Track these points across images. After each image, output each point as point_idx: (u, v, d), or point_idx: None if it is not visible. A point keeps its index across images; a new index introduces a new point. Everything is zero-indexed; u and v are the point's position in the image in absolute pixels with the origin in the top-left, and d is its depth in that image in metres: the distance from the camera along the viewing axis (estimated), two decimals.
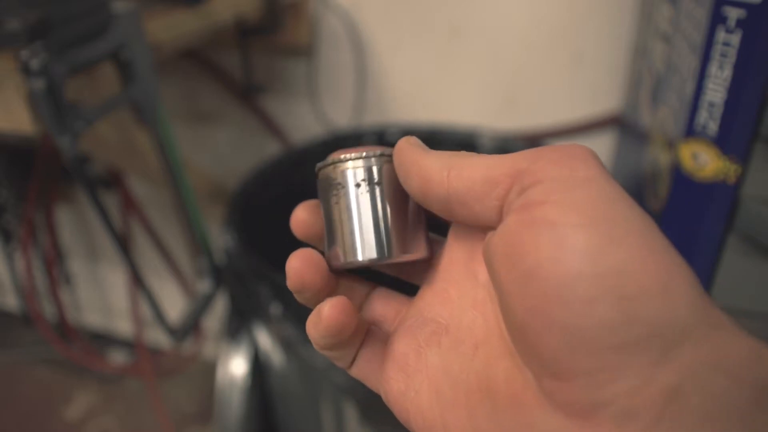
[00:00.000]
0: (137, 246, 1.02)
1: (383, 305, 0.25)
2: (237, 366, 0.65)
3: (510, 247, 0.17)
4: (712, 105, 0.39)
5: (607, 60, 0.73)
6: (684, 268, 0.16)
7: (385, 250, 0.23)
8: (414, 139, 0.22)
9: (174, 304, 0.96)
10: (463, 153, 0.21)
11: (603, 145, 0.78)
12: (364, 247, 0.23)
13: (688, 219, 0.43)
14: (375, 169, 0.23)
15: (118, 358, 1.22)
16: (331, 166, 0.23)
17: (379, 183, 0.23)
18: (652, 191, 0.49)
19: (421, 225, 0.24)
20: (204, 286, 0.74)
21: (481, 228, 0.21)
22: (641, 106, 0.59)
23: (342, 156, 0.23)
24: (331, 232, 0.24)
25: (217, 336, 0.97)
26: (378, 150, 0.23)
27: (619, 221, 0.16)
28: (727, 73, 0.38)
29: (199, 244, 0.71)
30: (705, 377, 0.14)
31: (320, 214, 0.25)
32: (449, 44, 0.78)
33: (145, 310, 0.96)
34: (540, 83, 0.77)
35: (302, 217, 0.25)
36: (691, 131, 0.41)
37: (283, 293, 0.54)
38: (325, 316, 0.21)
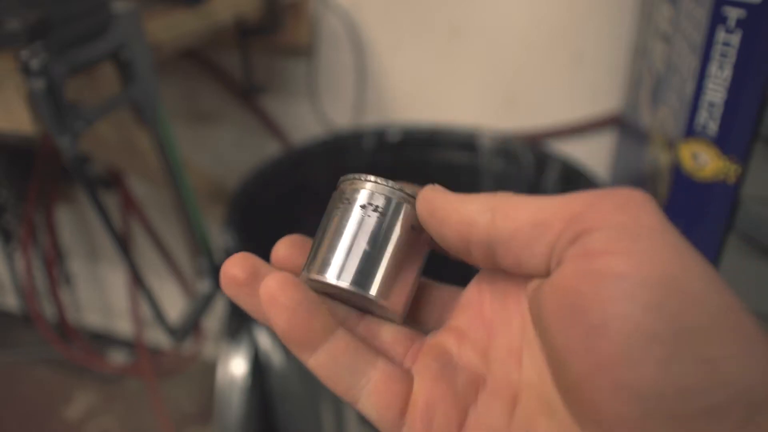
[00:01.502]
0: (137, 246, 1.02)
1: (391, 335, 0.22)
2: (237, 366, 0.65)
3: (568, 299, 0.16)
4: (712, 105, 0.39)
5: (607, 60, 0.73)
6: (758, 328, 0.15)
7: (365, 283, 0.20)
8: (441, 187, 0.20)
9: (174, 304, 0.96)
10: (508, 194, 0.19)
11: (603, 145, 0.78)
12: (344, 269, 0.20)
13: (688, 219, 0.43)
14: (393, 201, 0.21)
15: (118, 358, 1.22)
16: (350, 182, 0.22)
17: (387, 215, 0.21)
18: (652, 191, 0.49)
19: (410, 284, 0.22)
20: (204, 286, 0.74)
21: (523, 275, 0.19)
22: (641, 106, 0.59)
23: (364, 177, 0.21)
24: (318, 244, 0.22)
25: (217, 336, 0.96)
26: (405, 187, 0.21)
27: (691, 277, 0.15)
28: (727, 73, 0.38)
29: (199, 244, 0.71)
30: None
31: (301, 247, 0.23)
32: (449, 44, 0.78)
33: (145, 310, 0.96)
34: (540, 83, 0.77)
35: (282, 253, 0.23)
36: (691, 131, 0.41)
37: None
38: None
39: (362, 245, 0.21)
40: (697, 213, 0.43)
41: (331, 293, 0.22)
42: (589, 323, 0.15)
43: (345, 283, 0.21)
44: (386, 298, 0.21)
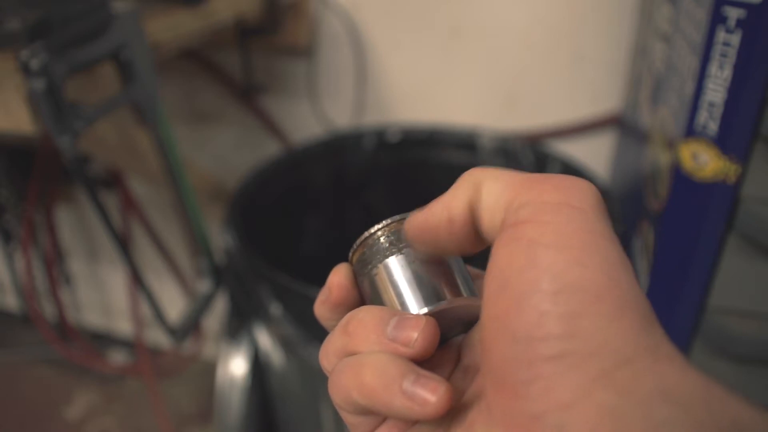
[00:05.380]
0: (137, 246, 1.02)
1: None
2: (237, 366, 0.65)
3: (494, 260, 0.18)
4: (712, 105, 0.39)
5: (607, 60, 0.73)
6: (641, 301, 0.16)
7: (443, 295, 0.22)
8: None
9: (174, 304, 0.96)
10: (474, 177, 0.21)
11: (603, 145, 0.78)
12: (421, 299, 0.21)
13: (688, 219, 0.43)
14: (401, 231, 0.22)
15: (118, 358, 1.22)
16: (362, 245, 0.23)
17: (405, 244, 0.22)
18: (652, 191, 0.49)
19: (468, 278, 0.23)
20: (204, 286, 0.74)
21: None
22: (641, 106, 0.59)
23: (368, 233, 0.23)
24: (390, 303, 0.22)
25: (217, 336, 0.97)
26: (395, 218, 0.23)
27: (590, 250, 0.17)
28: (727, 73, 0.38)
29: (199, 244, 0.71)
30: (647, 404, 0.14)
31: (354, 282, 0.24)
32: (449, 44, 0.78)
33: (145, 310, 0.96)
34: (540, 83, 0.77)
35: (339, 281, 0.24)
36: (691, 131, 0.41)
37: (283, 293, 0.54)
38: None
39: (414, 276, 0.22)
40: (697, 213, 0.43)
41: None
42: (498, 281, 0.17)
43: (429, 307, 0.21)
44: (467, 296, 0.22)
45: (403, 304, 0.22)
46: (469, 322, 0.23)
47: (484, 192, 0.20)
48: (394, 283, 0.22)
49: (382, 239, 0.23)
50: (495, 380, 0.17)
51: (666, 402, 0.14)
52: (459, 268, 0.23)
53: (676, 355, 0.16)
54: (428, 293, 0.22)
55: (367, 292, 0.23)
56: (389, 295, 0.22)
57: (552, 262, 0.16)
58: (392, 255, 0.22)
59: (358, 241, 0.23)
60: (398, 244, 0.22)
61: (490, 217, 0.19)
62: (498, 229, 0.19)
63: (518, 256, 0.17)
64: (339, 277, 0.23)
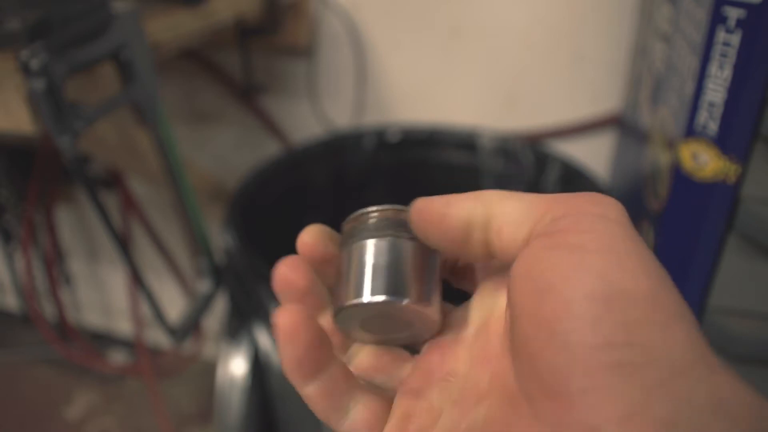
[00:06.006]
0: (137, 246, 1.02)
1: (378, 358, 0.24)
2: (237, 366, 0.65)
3: (530, 265, 0.18)
4: (712, 105, 0.39)
5: (607, 60, 0.73)
6: (687, 312, 0.16)
7: (401, 292, 0.21)
8: (428, 197, 0.22)
9: (174, 304, 0.96)
10: (494, 191, 0.21)
11: (603, 145, 0.78)
12: (375, 287, 0.21)
13: (688, 219, 0.43)
14: (398, 219, 0.22)
15: (118, 358, 1.22)
16: (354, 219, 0.23)
17: (398, 234, 0.22)
18: (652, 191, 0.49)
19: (438, 291, 0.23)
20: (204, 286, 0.74)
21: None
22: (641, 106, 0.59)
23: (365, 210, 0.23)
24: (345, 279, 0.22)
25: (217, 336, 0.97)
26: (401, 207, 0.23)
27: (637, 258, 0.17)
28: (727, 73, 0.38)
29: (199, 244, 0.71)
30: (702, 417, 0.14)
31: (325, 241, 0.24)
32: (449, 44, 0.78)
33: (145, 310, 0.96)
34: (540, 83, 0.77)
35: (307, 240, 0.24)
36: (691, 131, 0.41)
37: None
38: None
39: (384, 264, 0.22)
40: (697, 213, 0.43)
41: (366, 323, 0.23)
42: (542, 284, 0.17)
43: (380, 297, 0.21)
44: (424, 303, 0.22)
45: (360, 283, 0.21)
46: (417, 334, 0.23)
47: (502, 208, 0.20)
48: (364, 263, 0.22)
49: (373, 220, 0.23)
50: (545, 389, 0.16)
51: (720, 415, 0.14)
52: (436, 275, 0.23)
53: (727, 366, 0.16)
54: (390, 285, 0.21)
55: (339, 266, 0.23)
56: (354, 271, 0.22)
57: (601, 268, 0.16)
58: (376, 238, 0.22)
59: (351, 216, 0.23)
60: (386, 230, 0.22)
61: (512, 231, 0.19)
62: (521, 242, 0.19)
63: (563, 261, 0.17)
64: (304, 234, 0.24)
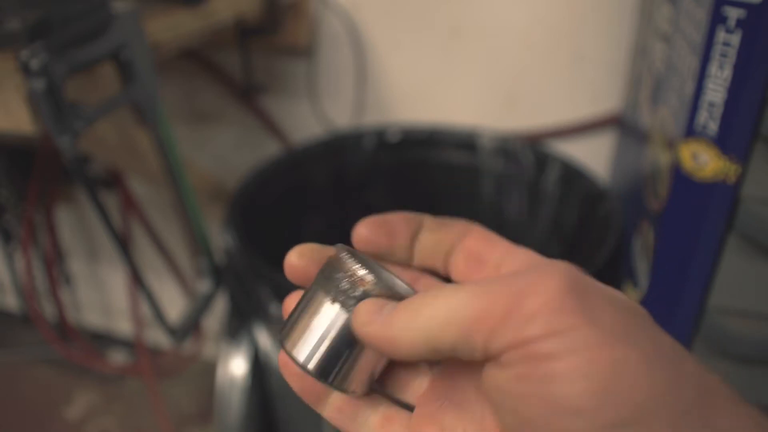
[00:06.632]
0: (137, 246, 1.02)
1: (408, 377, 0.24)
2: (237, 366, 0.65)
3: (517, 401, 0.18)
4: (712, 105, 0.39)
5: (607, 60, 0.73)
6: (678, 384, 0.16)
7: (328, 375, 0.22)
8: (374, 306, 0.21)
9: (174, 304, 0.96)
10: (434, 293, 0.20)
11: (603, 145, 0.78)
12: (313, 356, 0.22)
13: (688, 219, 0.43)
14: (361, 283, 0.22)
15: (118, 358, 1.22)
16: (336, 262, 0.22)
17: (355, 303, 0.21)
18: (652, 191, 0.49)
19: (367, 367, 0.23)
20: (204, 286, 0.74)
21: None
22: (641, 106, 0.59)
23: (358, 267, 0.22)
24: (301, 317, 0.22)
25: (217, 336, 0.96)
26: (397, 283, 0.22)
27: (630, 372, 0.16)
28: (727, 73, 0.38)
29: (199, 244, 0.71)
30: None
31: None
32: (449, 44, 0.78)
33: (145, 310, 0.96)
34: (540, 83, 0.77)
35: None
36: (691, 131, 0.41)
37: (283, 293, 0.54)
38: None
39: (330, 338, 0.22)
40: (697, 213, 0.43)
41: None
42: (528, 417, 0.17)
43: (310, 367, 0.22)
44: (347, 387, 0.22)
45: (304, 340, 0.22)
46: None
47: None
48: (318, 326, 0.22)
49: (344, 280, 0.22)
50: None
51: None
52: (375, 367, 0.23)
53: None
54: (329, 364, 0.22)
55: (307, 291, 0.23)
56: (304, 322, 0.22)
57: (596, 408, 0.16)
58: (339, 305, 0.22)
59: (340, 253, 0.22)
60: (351, 298, 0.21)
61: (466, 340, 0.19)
62: (481, 352, 0.18)
63: (551, 407, 0.17)
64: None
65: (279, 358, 0.23)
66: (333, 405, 0.23)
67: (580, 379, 0.16)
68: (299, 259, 0.24)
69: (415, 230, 0.24)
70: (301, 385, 0.23)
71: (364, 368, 0.22)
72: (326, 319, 0.22)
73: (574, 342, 0.16)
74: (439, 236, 0.24)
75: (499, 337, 0.17)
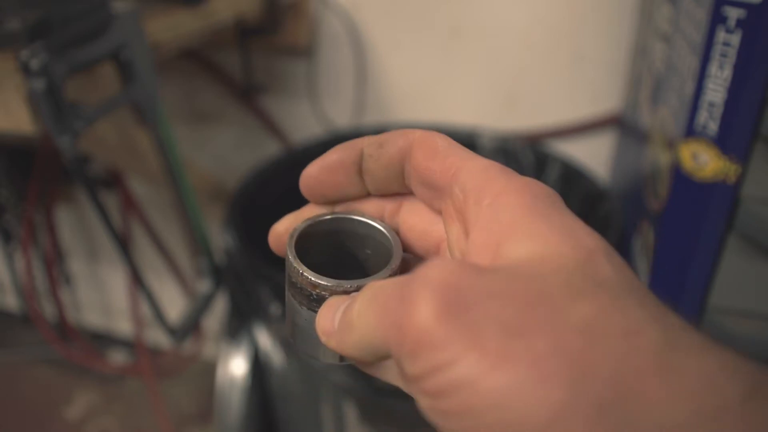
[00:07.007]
0: (137, 246, 1.02)
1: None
2: (237, 366, 0.65)
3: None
4: (712, 105, 0.39)
5: (607, 60, 0.73)
6: (584, 388, 0.14)
7: (342, 359, 0.22)
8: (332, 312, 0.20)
9: (174, 304, 0.96)
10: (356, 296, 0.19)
11: (603, 145, 0.78)
12: (318, 349, 0.22)
13: (688, 219, 0.43)
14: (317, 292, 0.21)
15: (118, 358, 1.22)
16: (291, 264, 0.21)
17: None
18: (652, 191, 0.49)
19: None
20: (204, 286, 0.74)
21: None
22: (641, 106, 0.59)
23: (303, 271, 0.21)
24: (290, 315, 0.23)
25: (217, 336, 0.96)
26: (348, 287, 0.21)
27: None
28: (727, 73, 0.38)
29: (199, 244, 0.71)
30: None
31: (332, 178, 0.23)
32: (449, 44, 0.78)
33: (145, 310, 0.96)
34: (540, 83, 0.77)
35: (316, 173, 0.23)
36: (691, 131, 0.41)
37: (283, 293, 0.54)
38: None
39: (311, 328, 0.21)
40: (697, 213, 0.43)
41: None
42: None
43: (307, 353, 0.22)
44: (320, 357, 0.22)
45: (306, 338, 0.22)
46: None
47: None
48: (305, 326, 0.22)
49: (303, 285, 0.21)
50: None
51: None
52: None
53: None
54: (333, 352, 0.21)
55: (285, 291, 0.23)
56: (297, 322, 0.22)
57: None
58: (307, 309, 0.21)
59: (287, 258, 0.22)
60: (313, 302, 0.21)
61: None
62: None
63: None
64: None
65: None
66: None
67: (473, 414, 0.14)
68: (285, 228, 0.23)
69: (356, 160, 0.22)
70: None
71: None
72: (308, 322, 0.22)
73: (459, 375, 0.14)
74: (382, 161, 0.22)
75: (404, 368, 0.16)
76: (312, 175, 0.23)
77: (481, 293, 0.15)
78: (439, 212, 0.21)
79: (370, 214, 0.23)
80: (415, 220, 0.22)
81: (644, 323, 0.15)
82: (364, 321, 0.17)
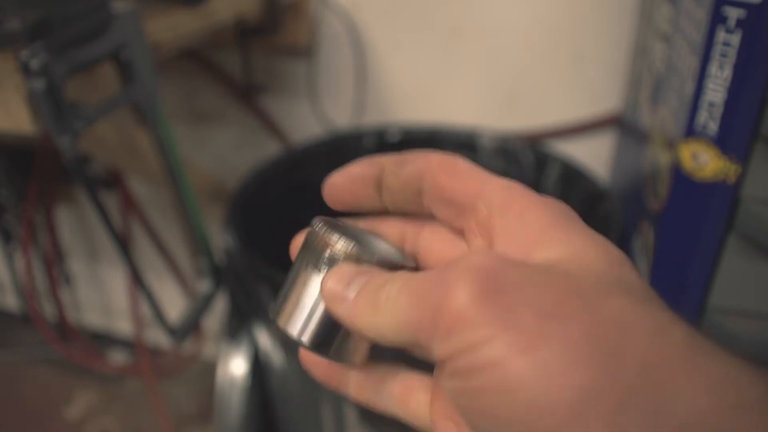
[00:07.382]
0: (137, 246, 1.02)
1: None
2: (237, 366, 0.65)
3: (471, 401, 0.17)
4: (712, 105, 0.39)
5: (607, 60, 0.73)
6: (615, 372, 0.15)
7: (324, 347, 0.21)
8: (338, 283, 0.20)
9: (174, 304, 0.96)
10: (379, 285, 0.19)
11: (603, 145, 0.78)
12: (305, 328, 0.21)
13: (688, 219, 0.43)
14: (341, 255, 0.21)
15: (118, 358, 1.22)
16: (322, 235, 0.22)
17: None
18: (652, 191, 0.49)
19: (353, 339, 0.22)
20: (204, 286, 0.74)
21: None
22: (641, 106, 0.59)
23: (331, 234, 0.21)
24: (289, 290, 0.22)
25: (217, 336, 0.96)
26: (389, 253, 0.21)
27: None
28: (727, 73, 0.38)
29: (199, 244, 0.71)
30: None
31: (356, 184, 0.24)
32: (449, 44, 0.78)
33: (145, 310, 0.96)
34: (540, 83, 0.77)
35: (338, 181, 0.24)
36: (691, 131, 0.41)
37: None
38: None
39: (320, 312, 0.21)
40: (697, 213, 0.43)
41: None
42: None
43: (305, 341, 0.21)
44: (341, 360, 0.22)
45: (295, 315, 0.21)
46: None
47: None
48: (307, 298, 0.21)
49: (325, 250, 0.21)
50: None
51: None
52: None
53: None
54: (322, 335, 0.21)
55: (293, 264, 0.23)
56: (297, 296, 0.22)
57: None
58: (320, 273, 0.21)
59: (309, 229, 0.22)
60: (333, 263, 0.21)
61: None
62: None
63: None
64: (352, 168, 0.24)
65: (300, 352, 0.23)
66: (354, 384, 0.23)
67: (502, 394, 0.15)
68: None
69: (377, 175, 0.23)
70: (322, 373, 0.23)
71: (360, 337, 0.21)
72: (313, 290, 0.21)
73: (491, 355, 0.15)
74: (401, 178, 0.22)
75: (434, 349, 0.17)
76: (335, 183, 0.24)
77: (519, 280, 0.16)
78: (460, 232, 0.22)
79: (391, 238, 0.24)
80: (435, 246, 0.23)
81: (670, 324, 0.16)
82: (392, 302, 0.18)
